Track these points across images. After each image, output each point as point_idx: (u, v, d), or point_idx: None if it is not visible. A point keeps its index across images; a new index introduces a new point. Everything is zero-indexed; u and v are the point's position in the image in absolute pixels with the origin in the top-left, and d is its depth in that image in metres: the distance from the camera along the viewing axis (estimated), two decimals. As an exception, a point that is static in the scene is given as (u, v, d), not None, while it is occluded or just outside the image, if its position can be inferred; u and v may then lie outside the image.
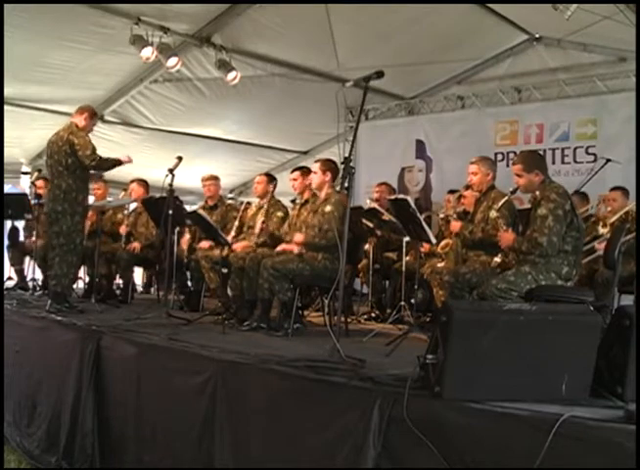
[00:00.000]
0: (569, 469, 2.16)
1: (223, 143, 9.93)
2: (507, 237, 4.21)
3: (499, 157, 8.05)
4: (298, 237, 5.00)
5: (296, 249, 4.94)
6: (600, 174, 6.71)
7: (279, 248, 5.15)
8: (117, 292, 6.97)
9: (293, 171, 5.53)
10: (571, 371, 2.52)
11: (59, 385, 4.48)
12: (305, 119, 9.49)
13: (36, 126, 8.45)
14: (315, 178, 5.09)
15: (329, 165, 5.07)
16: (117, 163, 5.58)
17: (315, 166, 5.11)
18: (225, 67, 7.49)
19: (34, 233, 7.06)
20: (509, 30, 7.97)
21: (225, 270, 5.38)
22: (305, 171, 5.40)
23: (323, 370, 3.03)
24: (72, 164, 5.42)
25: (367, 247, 6.33)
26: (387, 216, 5.36)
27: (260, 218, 5.73)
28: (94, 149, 5.40)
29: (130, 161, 5.67)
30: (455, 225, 5.07)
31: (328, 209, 4.95)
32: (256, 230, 5.67)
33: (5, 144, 7.85)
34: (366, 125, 9.33)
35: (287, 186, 5.68)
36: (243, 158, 10.65)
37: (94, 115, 5.80)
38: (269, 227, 5.66)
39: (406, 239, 5.56)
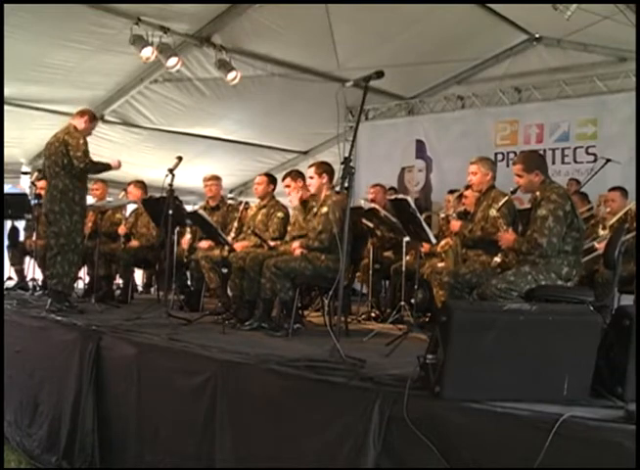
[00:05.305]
0: (569, 469, 2.16)
1: (223, 143, 9.93)
2: (507, 237, 4.21)
3: (499, 157, 8.06)
4: (295, 244, 5.04)
5: (298, 250, 4.95)
6: (600, 174, 6.72)
7: (282, 248, 5.18)
8: (117, 292, 6.97)
9: (283, 179, 5.55)
10: (571, 371, 2.52)
11: (59, 385, 4.48)
12: (305, 119, 9.49)
13: (36, 126, 8.45)
14: (313, 183, 5.12)
15: (323, 168, 5.10)
16: (107, 167, 5.60)
17: (310, 171, 5.14)
18: (225, 67, 7.49)
19: (34, 233, 7.06)
20: (509, 30, 7.98)
21: (225, 270, 5.38)
22: (295, 175, 5.44)
23: (323, 370, 3.03)
24: (69, 163, 5.42)
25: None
26: (384, 215, 5.37)
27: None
28: (85, 152, 5.40)
29: (119, 166, 5.67)
30: (455, 225, 5.09)
31: (324, 210, 5.00)
32: (271, 230, 5.70)
33: (5, 144, 7.85)
34: (366, 125, 9.34)
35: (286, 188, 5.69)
36: (243, 158, 10.65)
37: (94, 118, 5.81)
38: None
39: (406, 239, 5.57)
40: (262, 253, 5.19)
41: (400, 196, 5.25)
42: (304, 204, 5.37)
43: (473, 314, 2.55)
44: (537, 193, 4.17)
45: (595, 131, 7.54)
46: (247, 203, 6.44)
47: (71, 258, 5.50)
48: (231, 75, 7.53)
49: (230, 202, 8.06)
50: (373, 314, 6.18)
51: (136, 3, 6.56)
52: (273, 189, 6.05)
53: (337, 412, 2.82)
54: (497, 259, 4.42)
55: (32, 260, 7.21)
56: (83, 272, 7.03)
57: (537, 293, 3.88)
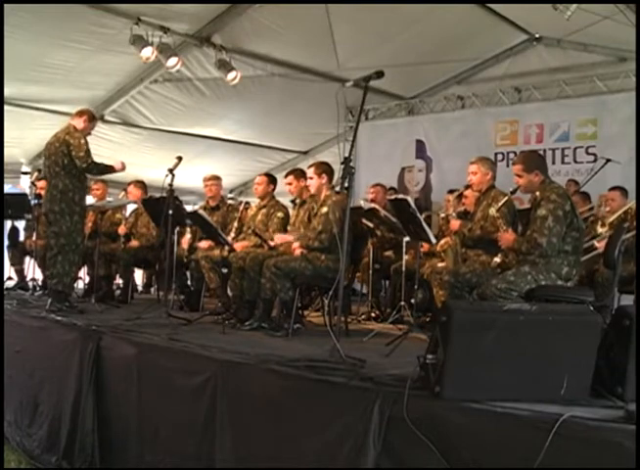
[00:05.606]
0: (569, 469, 2.16)
1: (223, 143, 9.94)
2: (507, 237, 4.21)
3: (499, 157, 8.07)
4: (295, 244, 5.03)
5: (297, 251, 4.95)
6: (600, 174, 6.72)
7: (282, 248, 5.18)
8: (117, 292, 6.97)
9: (286, 176, 5.55)
10: (571, 371, 2.52)
11: (59, 385, 4.49)
12: (305, 119, 9.49)
13: (36, 126, 8.45)
14: (312, 183, 5.13)
15: (323, 168, 5.11)
16: (110, 169, 5.57)
17: (310, 172, 5.15)
18: (225, 67, 7.49)
19: (34, 233, 7.06)
20: (509, 30, 7.99)
21: (225, 270, 5.38)
22: (298, 174, 5.45)
23: (323, 370, 3.03)
24: (69, 163, 5.42)
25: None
26: (384, 215, 5.37)
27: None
28: (87, 151, 5.40)
29: (123, 168, 5.65)
30: (455, 224, 5.10)
31: (324, 210, 4.99)
32: (271, 230, 5.70)
33: (5, 144, 7.86)
34: (366, 125, 9.34)
35: (286, 187, 5.69)
36: (243, 158, 10.65)
37: (93, 118, 5.80)
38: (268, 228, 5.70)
39: (406, 239, 5.57)
40: (262, 253, 5.19)
41: (400, 196, 5.25)
42: (302, 203, 5.37)
43: (473, 314, 2.55)
44: (537, 193, 4.18)
45: (595, 131, 7.54)
46: (247, 203, 6.45)
47: (72, 258, 5.50)
48: (231, 75, 7.53)
49: (230, 202, 8.06)
50: (373, 314, 6.18)
51: (136, 3, 6.56)
52: (273, 189, 6.05)
53: (337, 412, 2.82)
54: (497, 260, 4.42)
55: (32, 260, 7.21)
56: (83, 272, 7.03)
57: (537, 293, 3.88)
